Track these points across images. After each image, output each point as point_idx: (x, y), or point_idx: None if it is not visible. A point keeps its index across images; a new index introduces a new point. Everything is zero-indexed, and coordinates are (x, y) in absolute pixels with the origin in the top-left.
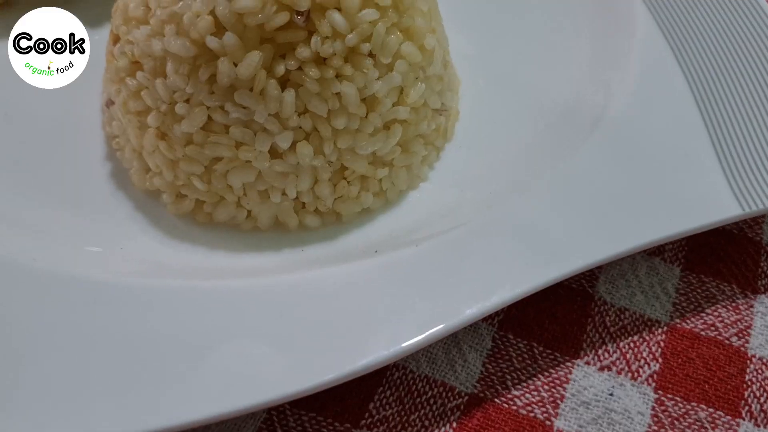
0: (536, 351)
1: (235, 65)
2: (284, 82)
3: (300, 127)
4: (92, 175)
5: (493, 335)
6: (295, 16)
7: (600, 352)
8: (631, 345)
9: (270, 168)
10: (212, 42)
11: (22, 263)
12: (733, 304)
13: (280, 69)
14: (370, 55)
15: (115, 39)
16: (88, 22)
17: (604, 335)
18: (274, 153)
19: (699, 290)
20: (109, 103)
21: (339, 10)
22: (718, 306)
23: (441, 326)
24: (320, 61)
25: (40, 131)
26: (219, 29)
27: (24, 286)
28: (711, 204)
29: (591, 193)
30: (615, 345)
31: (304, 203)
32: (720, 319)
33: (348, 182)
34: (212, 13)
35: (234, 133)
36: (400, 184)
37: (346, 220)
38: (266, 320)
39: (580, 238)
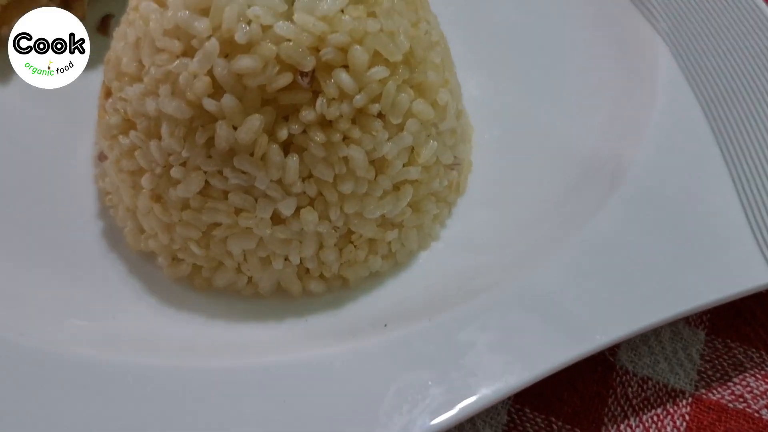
0: (555, 427)
1: (235, 129)
2: (287, 146)
3: (304, 193)
4: (84, 234)
5: (509, 409)
6: (299, 77)
7: (622, 427)
8: (655, 419)
9: (272, 235)
10: (210, 104)
11: (6, 337)
12: (762, 372)
13: (283, 133)
14: (380, 115)
15: (107, 93)
16: None
17: (626, 408)
18: (277, 219)
19: (725, 356)
20: (102, 157)
21: (346, 68)
22: (746, 374)
23: (455, 412)
24: (326, 123)
25: (28, 182)
26: (217, 90)
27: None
28: (741, 271)
29: (613, 260)
30: (638, 419)
31: (308, 268)
32: (749, 389)
33: (355, 246)
34: (210, 73)
35: (233, 200)
36: (411, 245)
37: (353, 285)
38: (268, 408)
39: (602, 313)
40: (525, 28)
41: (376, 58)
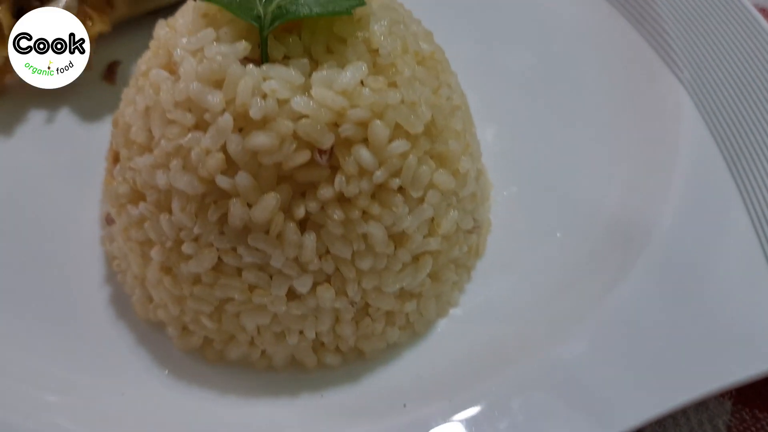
0: None
1: (249, 206)
2: (304, 222)
3: (321, 270)
4: (91, 301)
5: None
6: (317, 154)
7: None
8: None
9: (287, 311)
10: (223, 182)
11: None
12: None
13: (300, 211)
14: (400, 189)
15: (115, 157)
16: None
17: None
18: (292, 295)
19: (753, 428)
20: (109, 220)
21: (366, 143)
22: None
23: None
24: (345, 200)
25: (31, 245)
26: (231, 166)
27: None
28: None
29: (639, 335)
30: None
31: (323, 342)
32: None
33: (372, 319)
34: (223, 149)
35: (247, 277)
36: (429, 314)
37: (370, 357)
38: None
39: (628, 394)
40: (543, 76)
41: (397, 130)
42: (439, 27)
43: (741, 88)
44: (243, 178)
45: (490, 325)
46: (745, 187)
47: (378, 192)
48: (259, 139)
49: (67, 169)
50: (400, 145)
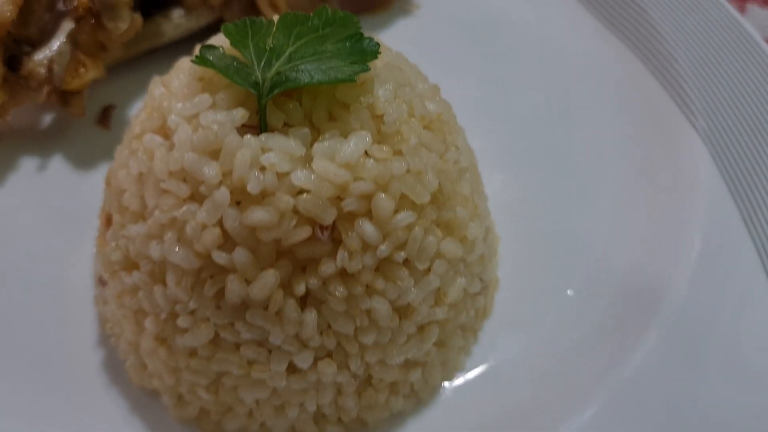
0: None
1: (247, 283)
2: (304, 298)
3: (322, 345)
4: (83, 365)
5: None
6: (318, 230)
7: None
8: None
9: (287, 386)
10: (220, 258)
11: None
12: None
13: (300, 288)
14: (405, 262)
15: (108, 220)
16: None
17: None
18: (292, 369)
19: None
20: (102, 282)
21: (370, 216)
22: None
23: None
24: (347, 276)
25: (21, 305)
26: (228, 241)
27: None
28: None
29: (656, 410)
30: None
31: (324, 413)
32: None
33: (375, 390)
34: (220, 223)
35: (245, 352)
36: (434, 381)
37: (373, 427)
38: None
39: None
40: (551, 119)
41: (402, 200)
42: (443, 67)
43: (759, 138)
44: (241, 255)
45: (497, 391)
46: (762, 245)
47: (382, 266)
48: (258, 215)
49: (60, 220)
50: (405, 217)
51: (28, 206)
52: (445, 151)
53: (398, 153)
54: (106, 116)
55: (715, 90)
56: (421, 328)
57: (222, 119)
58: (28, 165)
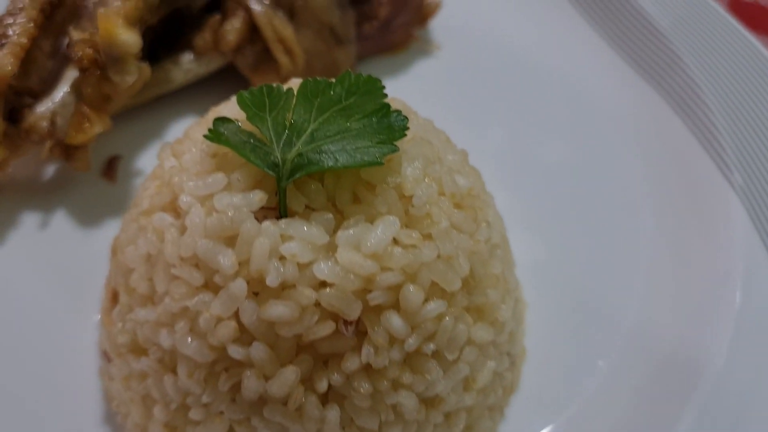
0: None
1: (266, 378)
2: (326, 393)
3: None
4: None
5: None
6: (342, 325)
7: None
8: None
9: None
10: (236, 352)
11: None
12: None
13: (323, 384)
14: (434, 354)
15: (114, 296)
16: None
17: None
18: None
19: None
20: (107, 356)
21: (397, 308)
22: None
23: None
24: (372, 371)
25: (23, 379)
26: (244, 334)
27: None
28: None
29: None
30: None
31: None
32: None
33: None
34: (236, 315)
35: None
36: None
37: None
38: None
39: None
40: (579, 172)
41: (432, 288)
42: (465, 113)
43: None
44: (258, 350)
45: None
46: None
47: (410, 358)
48: (277, 310)
49: (62, 282)
50: (435, 308)
51: (28, 266)
52: (477, 229)
53: (428, 237)
54: (111, 168)
55: (752, 143)
56: (448, 416)
57: (238, 203)
58: (29, 221)
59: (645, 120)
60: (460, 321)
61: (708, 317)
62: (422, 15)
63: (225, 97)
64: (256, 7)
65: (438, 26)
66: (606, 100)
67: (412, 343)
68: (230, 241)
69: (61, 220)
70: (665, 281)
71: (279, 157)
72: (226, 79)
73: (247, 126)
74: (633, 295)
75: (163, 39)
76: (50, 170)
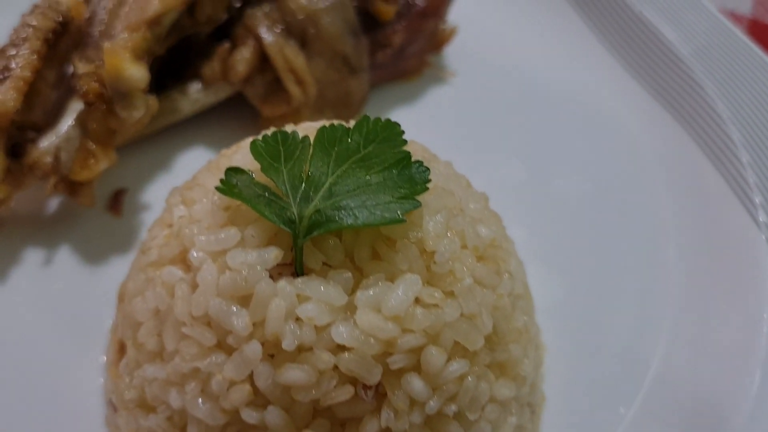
0: None
1: None
2: None
3: None
4: None
5: None
6: (362, 390)
7: None
8: None
9: None
10: (250, 417)
11: None
12: None
13: None
14: (456, 415)
15: (121, 347)
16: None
17: None
18: None
19: None
20: (114, 406)
21: (418, 370)
22: None
23: None
24: None
25: (27, 425)
26: (258, 396)
27: None
28: None
29: None
30: None
31: None
32: None
33: None
34: (250, 378)
35: None
36: None
37: None
38: None
39: None
40: (599, 207)
41: (454, 347)
42: (480, 143)
43: None
44: (273, 415)
45: None
46: None
47: (430, 420)
48: (294, 375)
49: (66, 323)
50: (458, 368)
51: (31, 306)
52: (499, 283)
53: (450, 295)
54: (117, 201)
55: None
56: None
57: (252, 261)
58: (31, 258)
59: (667, 154)
60: (483, 379)
61: (734, 365)
62: (437, 42)
63: (233, 126)
64: (266, 37)
65: (452, 52)
66: (627, 132)
67: (433, 405)
68: (244, 300)
69: (65, 256)
70: (690, 326)
71: (296, 213)
72: (233, 107)
73: (261, 177)
74: (657, 340)
75: (170, 66)
76: (54, 203)
